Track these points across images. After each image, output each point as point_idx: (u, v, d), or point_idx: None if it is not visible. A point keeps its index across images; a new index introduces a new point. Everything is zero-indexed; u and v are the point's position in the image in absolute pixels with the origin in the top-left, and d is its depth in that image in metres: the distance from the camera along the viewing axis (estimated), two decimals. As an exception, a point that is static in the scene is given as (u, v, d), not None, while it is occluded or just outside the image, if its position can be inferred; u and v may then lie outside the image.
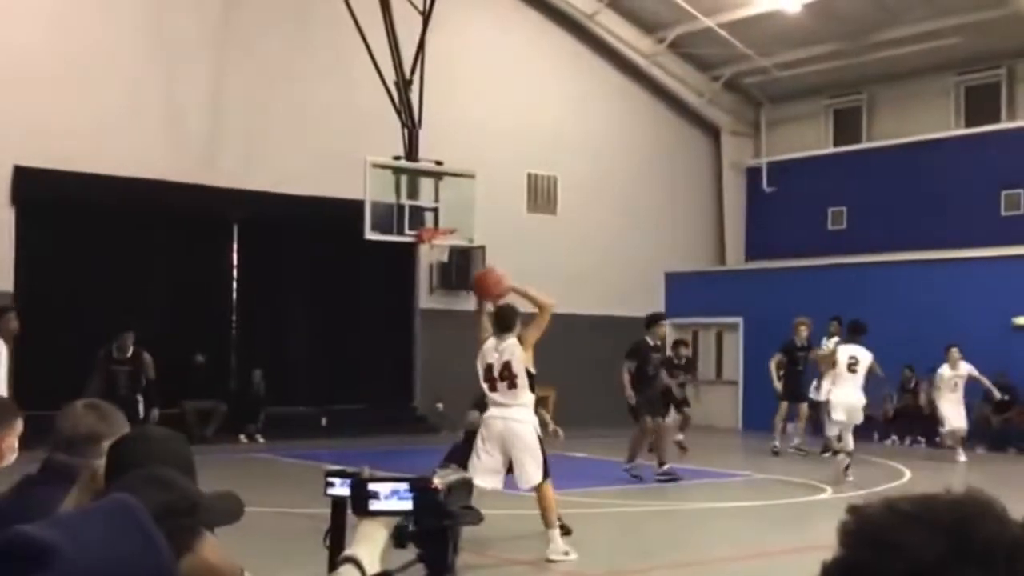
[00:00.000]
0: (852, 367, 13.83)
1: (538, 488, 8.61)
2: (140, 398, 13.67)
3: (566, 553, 8.58)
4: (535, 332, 8.76)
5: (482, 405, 8.98)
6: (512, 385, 8.62)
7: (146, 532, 1.11)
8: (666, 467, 13.49)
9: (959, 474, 14.87)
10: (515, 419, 8.64)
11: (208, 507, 2.04)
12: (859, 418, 13.95)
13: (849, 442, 13.67)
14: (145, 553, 1.09)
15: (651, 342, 13.74)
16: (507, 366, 8.63)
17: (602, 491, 12.78)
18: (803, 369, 16.81)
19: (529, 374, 8.68)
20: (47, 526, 1.12)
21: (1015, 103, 20.37)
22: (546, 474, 8.64)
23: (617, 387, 13.95)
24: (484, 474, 8.39)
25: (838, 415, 13.81)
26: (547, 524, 8.59)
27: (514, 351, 8.66)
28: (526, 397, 8.71)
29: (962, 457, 15.93)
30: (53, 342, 16.59)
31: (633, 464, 13.41)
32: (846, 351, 14.14)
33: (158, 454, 2.39)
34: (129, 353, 14.00)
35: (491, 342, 8.77)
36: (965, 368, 16.01)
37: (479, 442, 8.75)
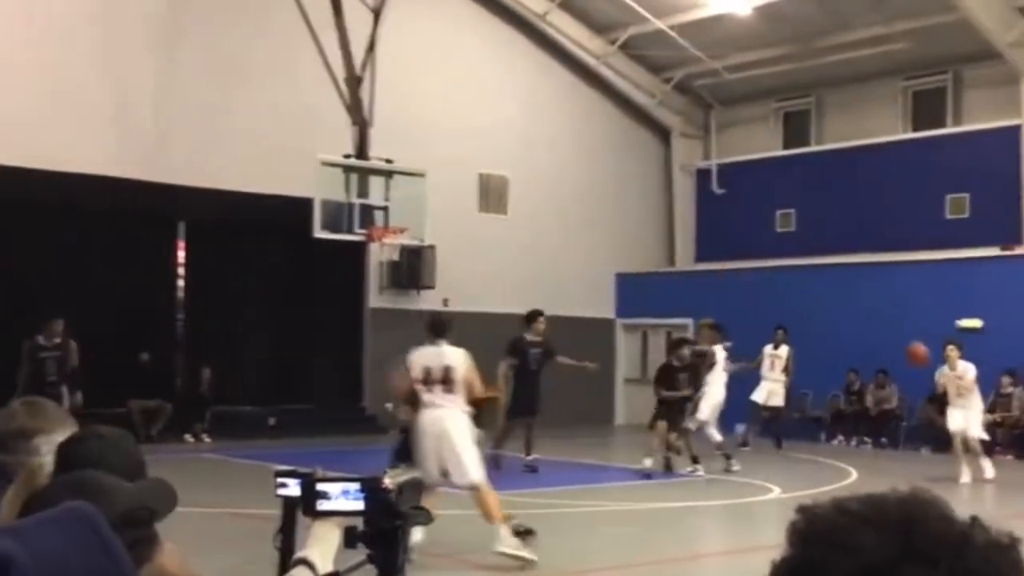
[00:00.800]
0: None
1: (477, 486, 8.62)
2: (65, 385, 13.56)
3: (517, 549, 8.50)
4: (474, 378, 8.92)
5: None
6: (449, 390, 8.75)
7: (106, 542, 1.07)
8: (531, 458, 14.39)
9: (905, 474, 15.04)
10: (449, 418, 8.70)
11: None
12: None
13: (715, 435, 14.86)
14: (105, 563, 1.05)
15: (529, 338, 14.36)
16: (448, 371, 8.75)
17: (555, 492, 12.78)
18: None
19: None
20: (1, 535, 1.08)
21: (961, 108, 20.67)
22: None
23: (502, 383, 14.35)
24: (431, 472, 8.42)
25: (705, 414, 14.99)
26: (492, 520, 8.55)
27: (456, 359, 8.79)
28: (461, 400, 8.80)
29: (964, 477, 13.79)
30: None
31: (497, 452, 13.85)
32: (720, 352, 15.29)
33: (110, 454, 2.34)
34: (57, 340, 13.80)
35: (429, 348, 8.88)
36: (963, 367, 14.17)
37: (420, 440, 8.79)
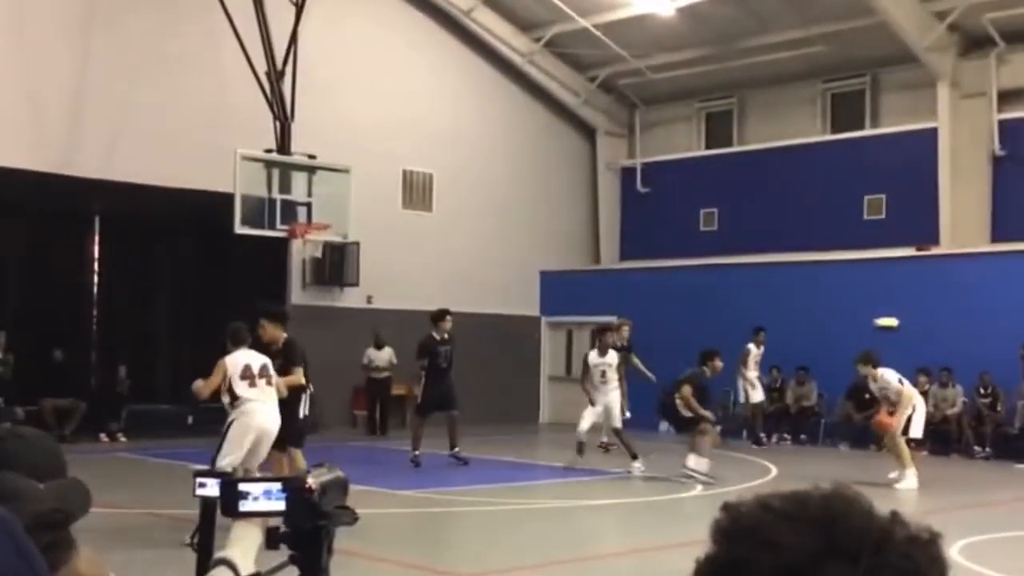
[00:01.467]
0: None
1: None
2: None
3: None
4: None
5: None
6: (269, 383, 9.47)
7: (21, 546, 1.02)
8: (456, 450, 14.81)
9: (824, 470, 15.26)
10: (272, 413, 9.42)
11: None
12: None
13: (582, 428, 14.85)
14: (20, 567, 1.00)
15: (437, 336, 14.79)
16: (265, 368, 9.48)
17: (475, 489, 12.72)
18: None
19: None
20: None
21: (879, 111, 21.05)
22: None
23: (416, 384, 14.94)
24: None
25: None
26: None
27: (267, 359, 9.64)
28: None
29: (893, 474, 13.44)
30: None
31: (415, 453, 14.48)
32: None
33: (29, 454, 2.24)
34: None
35: (245, 352, 9.58)
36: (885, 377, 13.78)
37: (242, 432, 9.22)
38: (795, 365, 19.06)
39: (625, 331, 16.70)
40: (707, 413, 13.85)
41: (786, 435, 19.12)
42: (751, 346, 18.33)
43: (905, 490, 12.91)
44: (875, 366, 13.78)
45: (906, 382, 13.90)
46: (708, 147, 23.49)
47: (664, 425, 17.89)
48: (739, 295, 19.85)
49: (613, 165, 24.32)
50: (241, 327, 9.85)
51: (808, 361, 18.80)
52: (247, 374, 9.37)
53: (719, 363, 14.16)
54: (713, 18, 20.63)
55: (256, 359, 9.54)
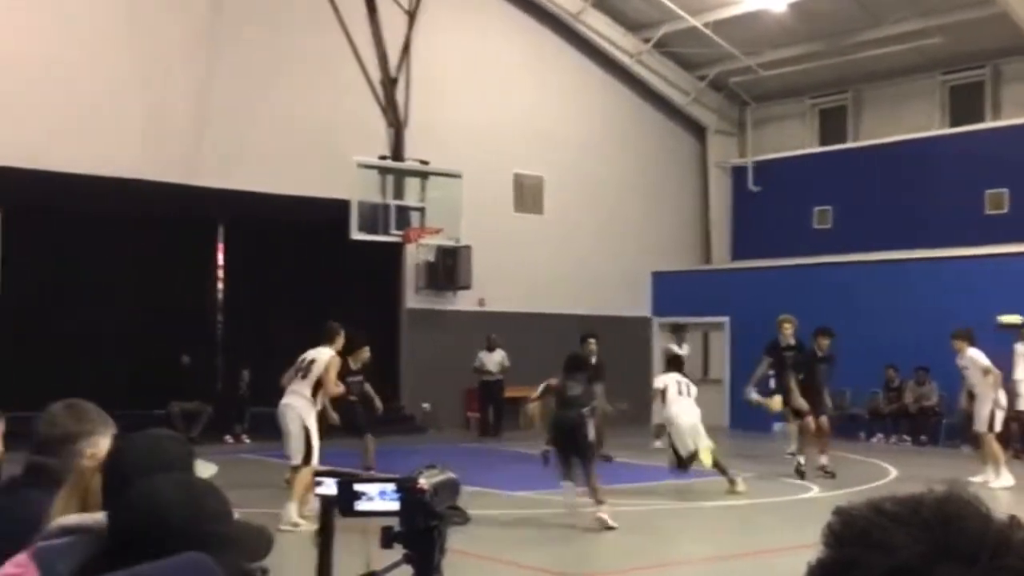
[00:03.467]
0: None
1: (298, 467, 10.24)
2: None
3: (295, 525, 9.55)
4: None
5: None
6: (303, 377, 10.52)
7: None
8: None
9: (945, 472, 14.91)
10: (288, 405, 10.47)
11: (219, 536, 2.07)
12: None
13: None
14: None
15: (353, 367, 13.55)
16: (310, 365, 10.59)
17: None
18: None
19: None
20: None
21: (999, 102, 20.46)
22: (307, 460, 10.19)
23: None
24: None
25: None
26: (291, 497, 10.06)
27: (320, 356, 10.60)
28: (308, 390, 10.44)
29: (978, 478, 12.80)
30: (37, 343, 16.53)
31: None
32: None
33: (159, 453, 2.42)
34: None
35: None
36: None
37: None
38: (913, 364, 18.64)
39: (788, 329, 15.27)
40: (801, 404, 13.54)
41: (905, 436, 18.71)
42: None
43: (1000, 489, 12.61)
44: (970, 344, 13.57)
45: (993, 368, 13.52)
46: (822, 143, 23.12)
47: (777, 424, 17.70)
48: (855, 293, 19.49)
49: (724, 164, 24.11)
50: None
51: (927, 360, 18.36)
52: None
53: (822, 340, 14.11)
54: (825, 13, 20.32)
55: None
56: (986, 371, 13.34)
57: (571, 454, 10.50)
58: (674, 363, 14.21)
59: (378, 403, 13.84)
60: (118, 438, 2.59)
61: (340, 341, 10.95)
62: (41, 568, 2.09)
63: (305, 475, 9.89)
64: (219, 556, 1.92)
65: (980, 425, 13.50)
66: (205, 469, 2.62)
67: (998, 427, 13.50)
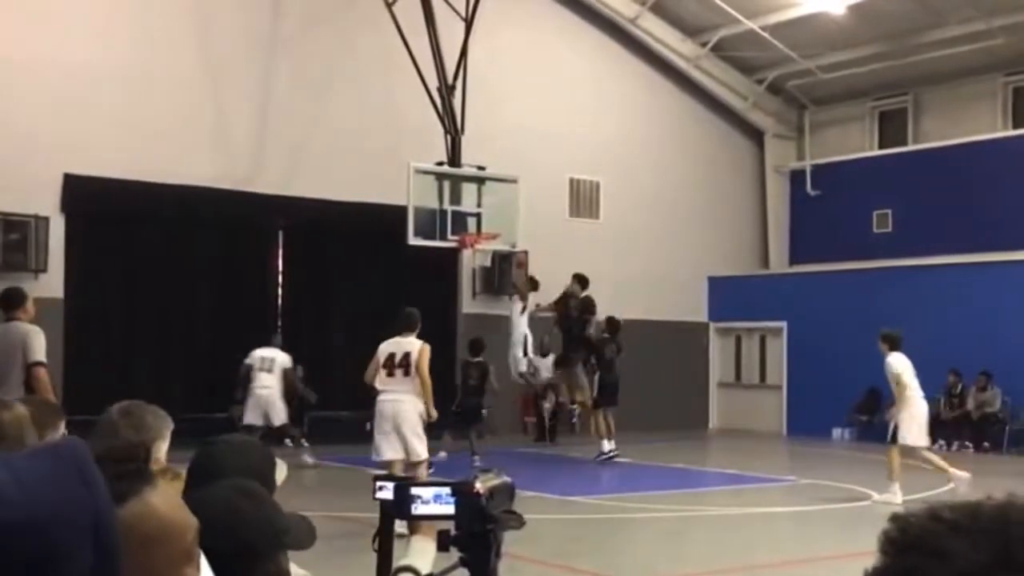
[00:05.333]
0: None
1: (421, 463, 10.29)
2: None
3: None
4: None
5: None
6: (406, 373, 10.26)
7: (85, 473, 1.12)
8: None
9: (1009, 480, 14.68)
10: (402, 401, 10.26)
11: (289, 529, 2.25)
12: None
13: None
14: (82, 494, 1.10)
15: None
16: (406, 357, 10.28)
17: (644, 496, 12.77)
18: None
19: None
20: None
21: (1065, 104, 20.11)
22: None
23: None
24: (387, 450, 10.26)
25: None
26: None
27: (413, 347, 10.33)
28: (415, 386, 10.29)
29: None
30: (101, 348, 16.85)
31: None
32: None
33: (239, 459, 2.51)
34: None
35: (391, 340, 10.51)
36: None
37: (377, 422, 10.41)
38: (976, 370, 18.36)
39: None
40: None
41: (967, 443, 18.44)
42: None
43: (884, 504, 11.74)
44: (893, 348, 12.43)
45: (905, 379, 12.31)
46: (882, 147, 22.86)
47: (837, 432, 17.54)
48: (914, 298, 19.24)
49: (782, 168, 23.93)
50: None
51: (990, 366, 18.09)
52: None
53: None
54: (885, 14, 20.09)
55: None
56: (896, 380, 12.31)
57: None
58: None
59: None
60: (205, 443, 2.68)
61: (419, 327, 10.60)
62: None
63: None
64: (287, 546, 2.06)
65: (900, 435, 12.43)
66: (279, 471, 2.70)
67: (908, 440, 12.46)
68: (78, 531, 1.06)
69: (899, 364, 12.28)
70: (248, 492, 2.28)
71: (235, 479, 2.35)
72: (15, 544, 1.04)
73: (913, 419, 12.42)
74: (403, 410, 10.28)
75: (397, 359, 10.29)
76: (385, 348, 10.47)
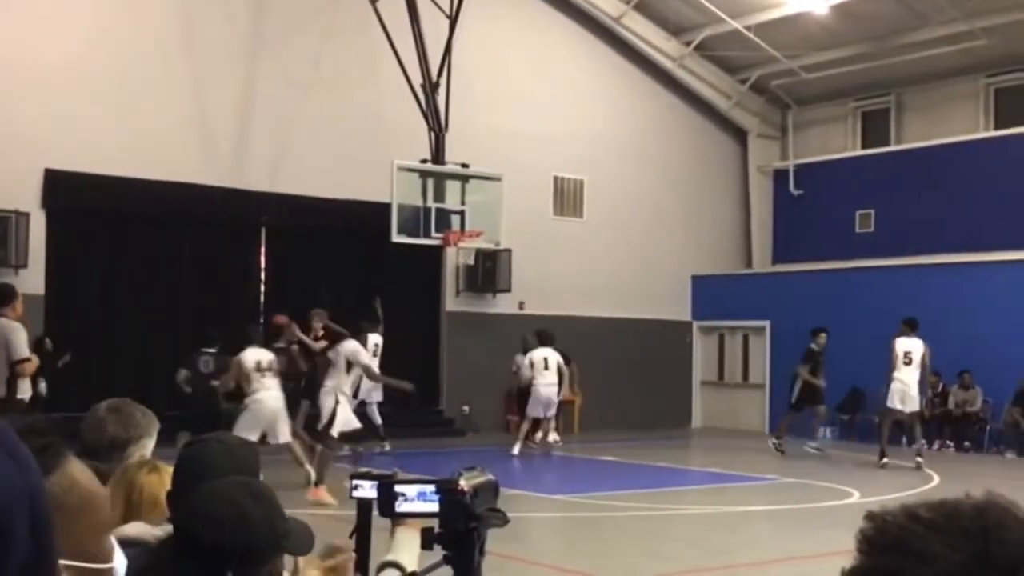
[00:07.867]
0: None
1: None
2: None
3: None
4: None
5: None
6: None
7: (11, 448, 1.12)
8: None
9: (989, 479, 14.76)
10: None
11: (290, 533, 2.28)
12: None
13: None
14: (11, 467, 1.09)
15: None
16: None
17: (627, 494, 12.79)
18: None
19: None
20: None
21: (1045, 105, 20.21)
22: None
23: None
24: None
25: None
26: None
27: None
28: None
29: None
30: (83, 345, 16.75)
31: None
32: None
33: (228, 458, 2.50)
34: None
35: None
36: None
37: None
38: (957, 369, 18.45)
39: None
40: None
41: (949, 442, 18.53)
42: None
43: None
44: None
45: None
46: (864, 147, 22.95)
47: (819, 431, 17.60)
48: (898, 298, 19.31)
49: (765, 167, 23.99)
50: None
51: (971, 365, 18.18)
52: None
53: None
54: (868, 15, 20.16)
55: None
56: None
57: None
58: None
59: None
60: (190, 442, 2.67)
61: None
62: None
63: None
64: (287, 550, 2.08)
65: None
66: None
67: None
68: (19, 511, 1.05)
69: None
70: (255, 492, 2.27)
71: (236, 477, 2.34)
72: None
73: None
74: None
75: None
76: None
